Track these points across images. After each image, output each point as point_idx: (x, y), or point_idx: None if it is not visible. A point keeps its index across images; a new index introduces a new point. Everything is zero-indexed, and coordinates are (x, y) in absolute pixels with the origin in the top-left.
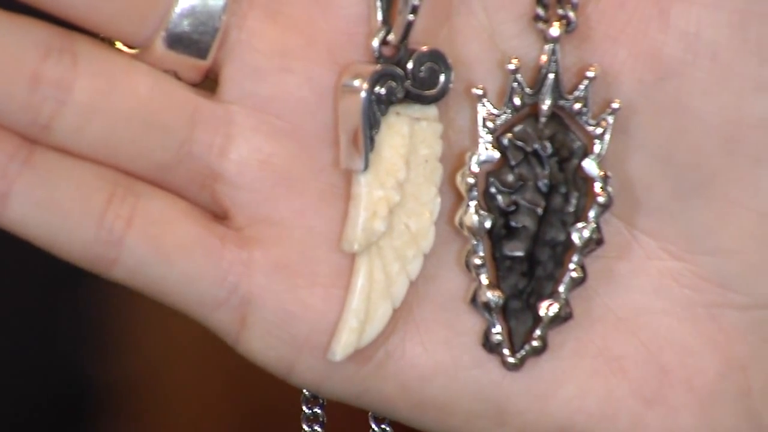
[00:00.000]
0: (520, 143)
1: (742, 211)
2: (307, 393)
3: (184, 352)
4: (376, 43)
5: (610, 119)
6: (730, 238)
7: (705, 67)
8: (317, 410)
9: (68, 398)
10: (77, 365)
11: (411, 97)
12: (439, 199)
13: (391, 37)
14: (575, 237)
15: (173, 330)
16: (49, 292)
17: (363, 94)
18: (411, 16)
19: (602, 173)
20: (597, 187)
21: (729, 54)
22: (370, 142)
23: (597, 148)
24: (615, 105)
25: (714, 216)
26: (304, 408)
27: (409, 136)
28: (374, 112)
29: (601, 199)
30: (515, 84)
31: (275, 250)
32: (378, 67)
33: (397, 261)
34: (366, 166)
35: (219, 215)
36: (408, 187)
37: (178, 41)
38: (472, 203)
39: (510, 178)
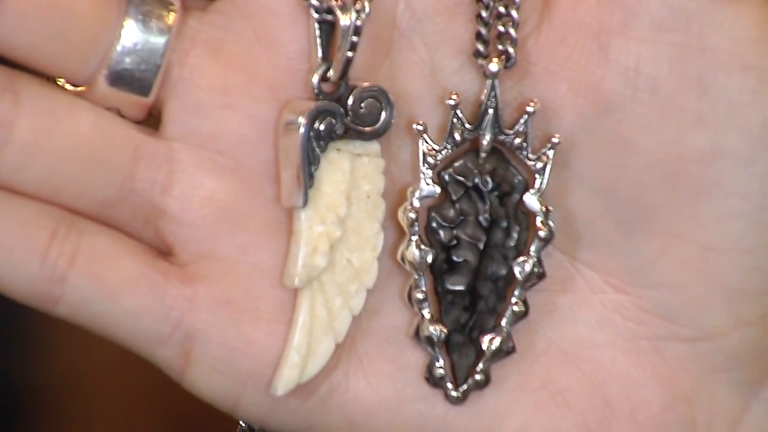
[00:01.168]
0: (460, 178)
1: (684, 244)
2: (243, 424)
3: (110, 355)
4: (315, 79)
5: (551, 154)
6: (672, 271)
7: (645, 101)
8: None
9: None
10: None
11: (352, 133)
12: (381, 235)
13: (331, 74)
14: (517, 271)
15: (96, 335)
16: None
17: (302, 131)
18: (350, 53)
19: (543, 207)
20: (538, 221)
21: (668, 88)
22: (310, 178)
23: (538, 182)
24: (555, 139)
25: (656, 249)
26: None
27: (350, 172)
28: (313, 149)
29: (542, 233)
30: (455, 119)
31: (219, 285)
32: (317, 103)
33: (339, 296)
34: (305, 203)
35: (163, 251)
36: (350, 223)
37: (120, 79)
38: (414, 238)
39: (451, 213)
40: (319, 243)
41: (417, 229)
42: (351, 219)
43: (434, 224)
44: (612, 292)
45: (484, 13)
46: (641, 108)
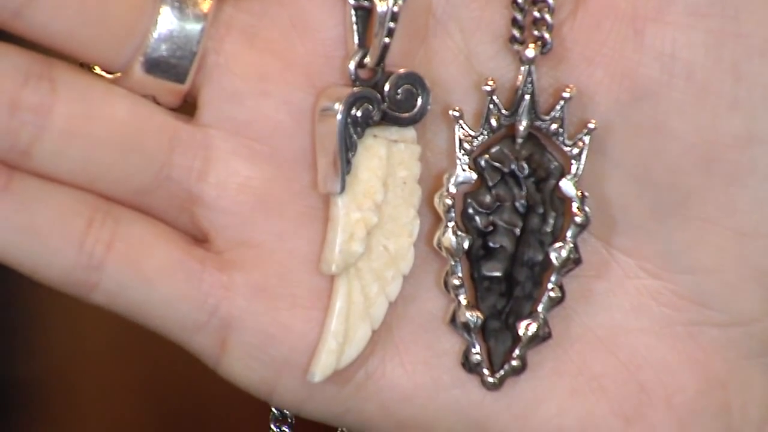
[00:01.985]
0: (497, 164)
1: (719, 230)
2: (275, 411)
3: (98, 349)
4: (352, 66)
5: (587, 139)
6: (707, 257)
7: (680, 86)
8: (285, 429)
9: None
10: None
11: (388, 120)
12: (417, 221)
13: (367, 60)
14: (553, 257)
15: (85, 328)
16: None
17: (339, 117)
18: (387, 39)
19: (579, 193)
20: (574, 206)
21: (704, 74)
22: (347, 165)
23: (574, 168)
24: (591, 125)
25: (691, 235)
26: (272, 427)
27: (387, 158)
28: (350, 135)
29: (578, 219)
30: (492, 105)
31: (255, 272)
32: (354, 89)
33: (376, 282)
34: (342, 189)
35: (199, 239)
36: (386, 209)
37: (156, 66)
38: (450, 224)
39: (487, 198)
40: (356, 229)
41: (453, 215)
42: (387, 205)
43: (470, 210)
44: (647, 278)
45: None
46: (677, 94)
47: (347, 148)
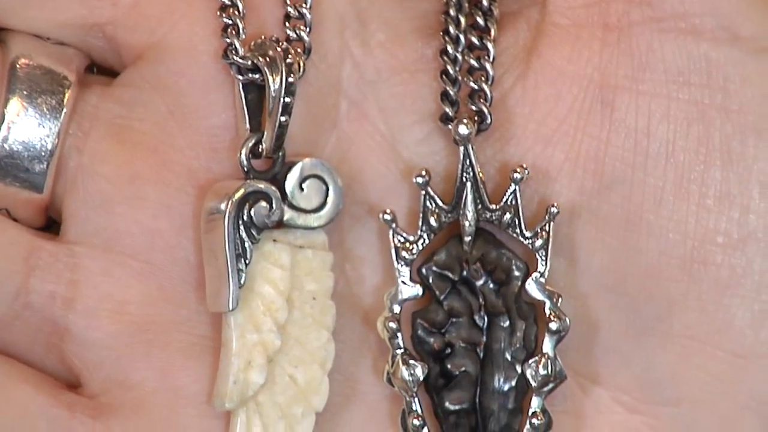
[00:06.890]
0: (445, 272)
1: (708, 350)
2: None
3: None
4: (243, 154)
5: (550, 227)
6: (694, 384)
7: (658, 171)
8: None
9: None
10: None
11: (292, 221)
12: (332, 345)
13: (264, 146)
14: (529, 375)
15: None
16: None
17: (226, 217)
18: (283, 118)
19: (552, 292)
20: (547, 311)
21: (686, 156)
22: (238, 275)
23: (540, 264)
24: (554, 209)
25: (674, 357)
26: None
27: (291, 268)
28: (242, 239)
29: (553, 326)
30: (428, 201)
31: (135, 418)
32: (246, 183)
33: (281, 420)
34: (235, 305)
35: (72, 383)
36: (292, 331)
37: (4, 171)
38: (399, 352)
39: (439, 315)
40: (254, 355)
41: (401, 341)
42: (293, 326)
43: (421, 332)
44: (623, 412)
45: (450, 69)
46: (653, 180)
47: (238, 255)
